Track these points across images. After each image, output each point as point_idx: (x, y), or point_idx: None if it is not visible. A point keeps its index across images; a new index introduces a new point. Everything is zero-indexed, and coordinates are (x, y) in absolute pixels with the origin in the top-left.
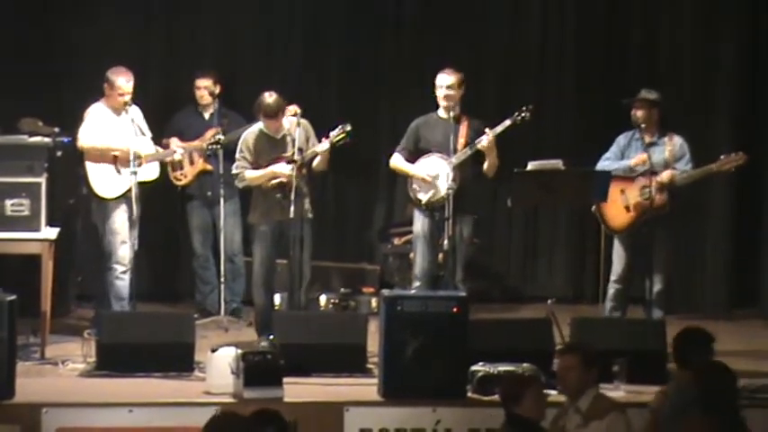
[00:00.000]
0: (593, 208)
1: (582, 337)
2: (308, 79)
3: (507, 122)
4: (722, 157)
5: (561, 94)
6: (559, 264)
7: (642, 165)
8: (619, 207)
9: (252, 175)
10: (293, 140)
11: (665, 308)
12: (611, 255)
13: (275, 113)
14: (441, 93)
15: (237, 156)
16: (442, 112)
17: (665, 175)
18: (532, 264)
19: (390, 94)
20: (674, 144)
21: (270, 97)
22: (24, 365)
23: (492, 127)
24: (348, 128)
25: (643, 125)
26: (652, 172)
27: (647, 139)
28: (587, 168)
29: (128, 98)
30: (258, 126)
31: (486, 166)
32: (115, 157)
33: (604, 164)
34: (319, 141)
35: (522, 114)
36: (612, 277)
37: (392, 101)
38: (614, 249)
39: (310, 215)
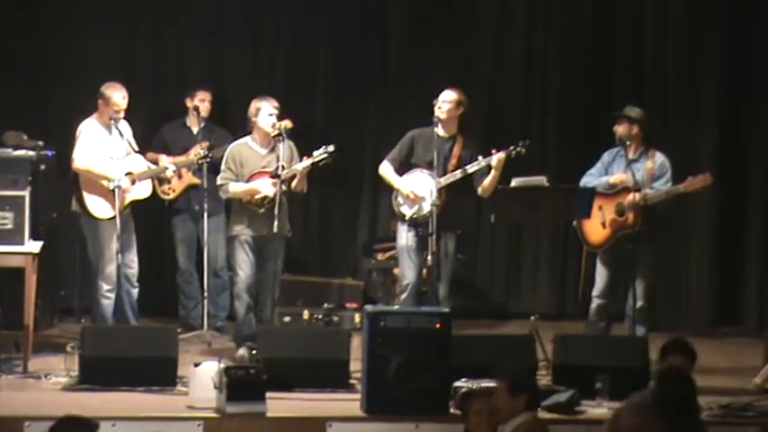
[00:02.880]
0: (574, 223)
1: (565, 354)
2: (294, 94)
3: (501, 155)
4: (689, 177)
5: (546, 109)
6: (543, 280)
7: (621, 183)
8: (596, 223)
9: (235, 188)
10: (278, 155)
11: (648, 324)
12: (592, 271)
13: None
14: (442, 107)
15: (223, 167)
16: (439, 129)
17: (638, 193)
18: (516, 280)
19: (376, 109)
20: (654, 162)
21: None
22: (7, 379)
23: (485, 155)
24: (331, 149)
25: (627, 142)
26: (636, 189)
27: (630, 155)
28: (571, 185)
29: (122, 114)
30: (246, 139)
31: (482, 188)
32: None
33: (586, 180)
34: (301, 160)
35: (518, 149)
36: (594, 293)
37: (378, 116)
38: (597, 266)
39: (289, 234)
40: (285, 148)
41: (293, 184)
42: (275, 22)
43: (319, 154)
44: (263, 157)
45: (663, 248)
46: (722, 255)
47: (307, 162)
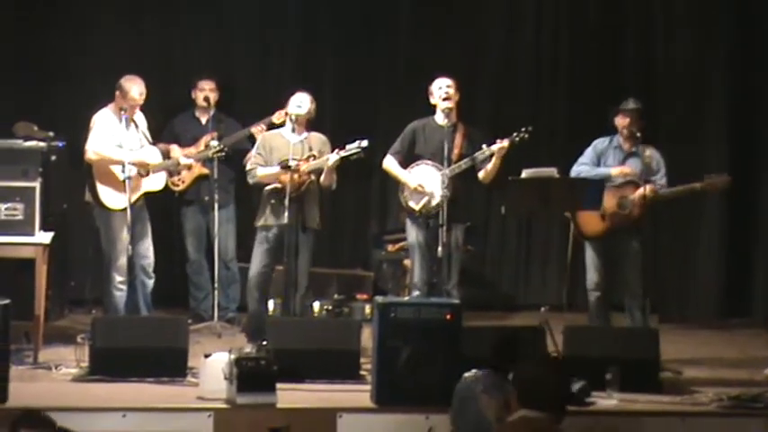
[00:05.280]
0: (567, 213)
1: (575, 345)
2: (303, 86)
3: (505, 143)
4: (708, 175)
5: (556, 101)
6: (553, 271)
7: (622, 177)
8: (594, 214)
9: (263, 172)
10: (310, 148)
11: (646, 316)
12: (577, 262)
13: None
14: (441, 94)
15: (254, 152)
16: (439, 119)
17: (648, 189)
18: (526, 271)
19: (386, 100)
20: (650, 157)
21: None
22: (17, 370)
23: (489, 144)
24: (365, 143)
25: (625, 131)
26: (633, 183)
27: (627, 148)
28: (581, 177)
29: (136, 109)
30: (282, 129)
31: (484, 172)
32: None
33: (580, 168)
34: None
35: (521, 135)
36: (589, 286)
37: (387, 107)
38: (587, 257)
39: (316, 226)
40: (315, 141)
41: (321, 178)
42: (284, 16)
43: (351, 148)
44: (293, 146)
45: (674, 240)
46: (731, 246)
47: (335, 156)
